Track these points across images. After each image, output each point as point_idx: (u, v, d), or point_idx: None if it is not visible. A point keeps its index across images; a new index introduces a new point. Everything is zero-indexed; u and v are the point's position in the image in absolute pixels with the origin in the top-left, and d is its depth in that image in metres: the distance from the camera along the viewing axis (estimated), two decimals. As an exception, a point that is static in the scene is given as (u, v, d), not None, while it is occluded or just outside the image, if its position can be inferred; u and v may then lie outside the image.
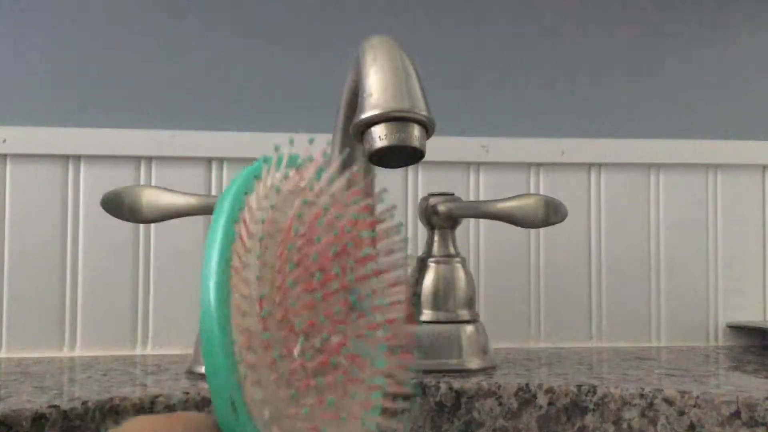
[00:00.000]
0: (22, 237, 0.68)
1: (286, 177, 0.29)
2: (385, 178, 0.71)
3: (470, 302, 0.59)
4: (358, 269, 0.29)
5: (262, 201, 0.28)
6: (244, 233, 0.27)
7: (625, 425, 0.49)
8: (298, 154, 0.31)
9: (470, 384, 0.50)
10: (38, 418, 0.41)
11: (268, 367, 0.26)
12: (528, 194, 0.59)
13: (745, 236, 0.76)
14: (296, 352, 0.26)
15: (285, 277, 0.26)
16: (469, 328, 0.58)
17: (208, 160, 0.70)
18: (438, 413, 0.50)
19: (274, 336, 0.26)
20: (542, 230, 0.74)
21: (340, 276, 0.28)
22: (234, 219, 0.28)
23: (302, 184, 0.29)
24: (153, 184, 0.69)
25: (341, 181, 0.30)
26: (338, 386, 0.27)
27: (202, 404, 0.46)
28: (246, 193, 0.29)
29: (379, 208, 0.31)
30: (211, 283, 0.26)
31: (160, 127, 0.70)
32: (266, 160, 0.30)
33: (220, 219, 0.28)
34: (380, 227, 0.31)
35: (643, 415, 0.48)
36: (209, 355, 0.26)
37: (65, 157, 0.69)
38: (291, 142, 0.31)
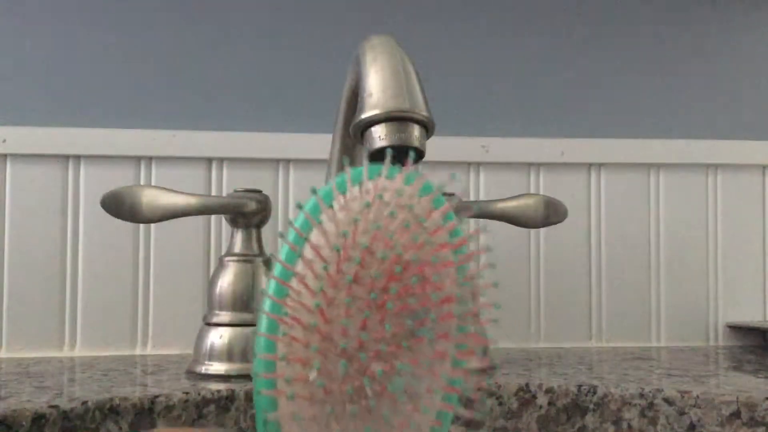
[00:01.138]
0: (22, 237, 0.68)
1: (367, 188, 0.29)
2: (385, 178, 0.71)
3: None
4: (423, 293, 0.27)
5: (339, 211, 0.28)
6: (315, 239, 0.27)
7: (625, 425, 0.49)
8: (396, 168, 0.30)
9: (470, 384, 0.50)
10: (38, 418, 0.41)
11: (303, 383, 0.26)
12: (528, 194, 0.59)
13: (745, 236, 0.76)
14: (338, 372, 0.25)
15: (341, 291, 0.26)
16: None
17: (208, 160, 0.70)
18: (438, 413, 0.50)
19: (317, 352, 0.26)
20: (542, 230, 0.74)
21: (400, 297, 0.27)
22: (308, 226, 0.28)
23: (385, 195, 0.28)
24: (153, 184, 0.69)
25: (426, 200, 0.29)
26: (373, 414, 0.26)
27: (203, 404, 0.46)
28: (331, 201, 0.28)
29: (462, 232, 0.29)
30: (271, 289, 0.27)
31: (160, 127, 0.70)
32: (353, 171, 0.29)
33: (296, 221, 0.28)
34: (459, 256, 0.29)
35: (643, 415, 0.48)
36: (255, 357, 0.27)
37: (65, 157, 0.69)
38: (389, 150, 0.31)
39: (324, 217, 0.28)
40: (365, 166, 0.30)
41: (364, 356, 0.26)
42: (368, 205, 0.27)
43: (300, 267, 0.27)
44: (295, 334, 0.26)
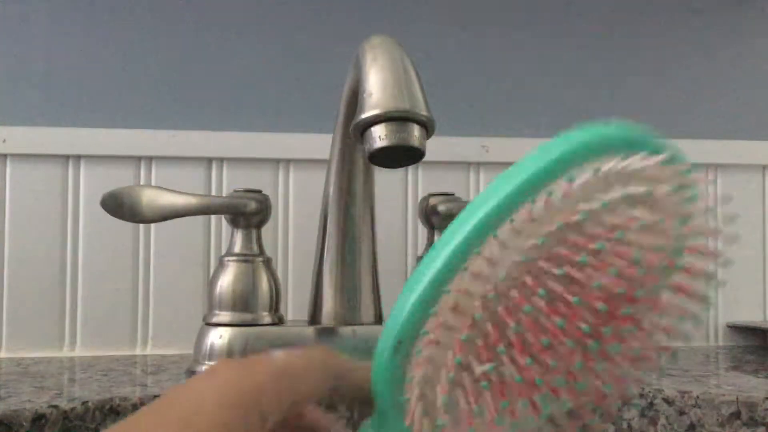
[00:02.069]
0: (22, 237, 0.68)
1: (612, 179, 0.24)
2: (385, 178, 0.71)
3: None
4: (627, 332, 0.25)
5: (573, 194, 0.24)
6: (523, 218, 0.24)
7: (625, 425, 0.48)
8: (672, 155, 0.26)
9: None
10: (38, 418, 0.41)
11: (456, 344, 0.24)
12: (528, 194, 0.59)
13: (745, 236, 0.76)
14: (506, 364, 0.23)
15: (560, 301, 0.23)
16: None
17: (208, 160, 0.70)
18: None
19: (485, 324, 0.23)
20: (542, 230, 0.74)
21: (600, 328, 0.24)
22: (522, 196, 0.24)
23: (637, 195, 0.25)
24: (153, 184, 0.69)
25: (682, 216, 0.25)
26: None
27: (202, 404, 0.46)
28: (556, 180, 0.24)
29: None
30: (470, 225, 0.24)
31: (160, 127, 0.70)
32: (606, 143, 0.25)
33: (517, 178, 0.24)
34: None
35: (643, 415, 0.48)
36: (412, 285, 0.24)
37: (65, 157, 0.69)
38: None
39: (560, 188, 0.24)
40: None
41: (541, 381, 0.24)
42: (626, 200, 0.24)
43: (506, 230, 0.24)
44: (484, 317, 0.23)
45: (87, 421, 0.43)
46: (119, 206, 0.54)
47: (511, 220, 0.24)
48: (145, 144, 0.69)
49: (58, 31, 0.70)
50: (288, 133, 0.71)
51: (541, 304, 0.24)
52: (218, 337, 0.54)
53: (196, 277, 0.69)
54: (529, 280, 0.24)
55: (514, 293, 0.24)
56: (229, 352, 0.53)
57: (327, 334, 0.55)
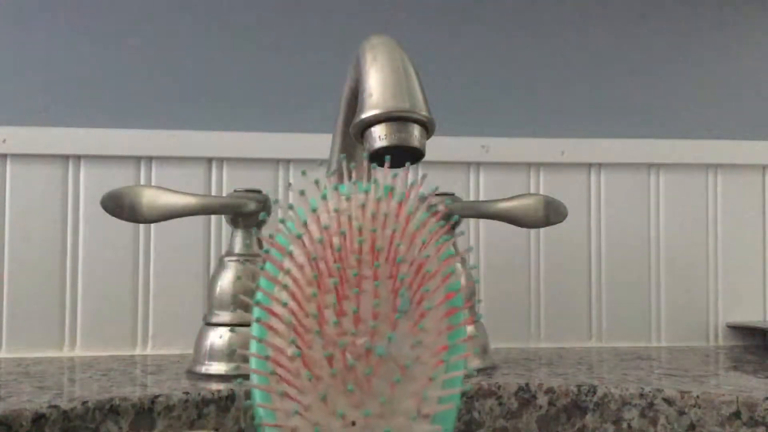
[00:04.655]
0: (22, 237, 0.68)
1: (373, 199, 0.31)
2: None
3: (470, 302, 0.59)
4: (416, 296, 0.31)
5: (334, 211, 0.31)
6: (307, 240, 0.31)
7: (625, 425, 0.49)
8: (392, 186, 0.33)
9: (470, 384, 0.50)
10: (38, 418, 0.41)
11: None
12: (528, 194, 0.59)
13: (745, 236, 0.76)
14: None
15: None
16: (469, 328, 0.58)
17: (208, 160, 0.70)
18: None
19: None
20: (542, 230, 0.74)
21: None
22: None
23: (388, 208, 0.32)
24: (153, 184, 0.69)
25: (420, 218, 0.33)
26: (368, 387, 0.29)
27: (202, 404, 0.46)
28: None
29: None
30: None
31: (160, 127, 0.70)
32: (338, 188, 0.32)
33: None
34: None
35: (643, 415, 0.48)
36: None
37: (65, 157, 0.69)
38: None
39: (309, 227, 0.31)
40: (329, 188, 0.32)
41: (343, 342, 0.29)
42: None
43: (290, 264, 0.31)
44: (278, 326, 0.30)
45: (87, 421, 0.43)
46: (119, 206, 0.54)
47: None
48: (145, 144, 0.69)
49: (58, 31, 0.70)
50: (288, 133, 0.71)
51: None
52: (218, 337, 0.54)
53: (196, 277, 0.69)
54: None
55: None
56: (229, 352, 0.53)
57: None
